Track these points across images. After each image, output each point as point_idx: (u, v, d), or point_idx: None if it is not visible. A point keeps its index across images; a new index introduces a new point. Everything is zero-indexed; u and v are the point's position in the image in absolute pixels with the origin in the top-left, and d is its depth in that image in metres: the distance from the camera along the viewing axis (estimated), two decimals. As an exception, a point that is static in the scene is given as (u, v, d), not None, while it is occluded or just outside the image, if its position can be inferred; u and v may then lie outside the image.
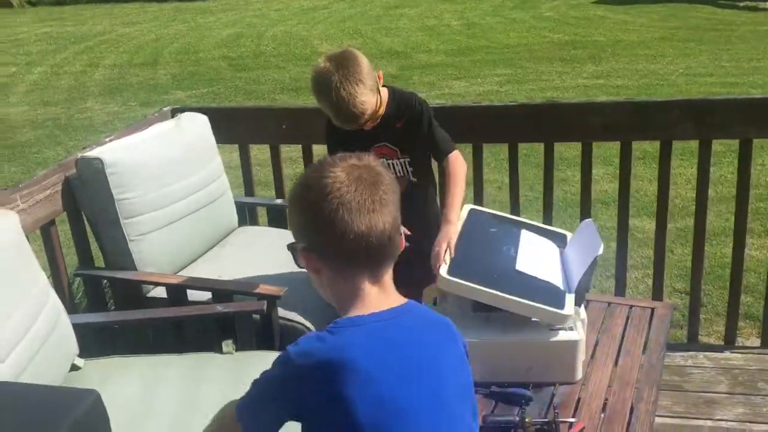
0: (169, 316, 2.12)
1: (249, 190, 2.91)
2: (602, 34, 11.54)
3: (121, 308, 2.35)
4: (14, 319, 1.69)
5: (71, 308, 2.30)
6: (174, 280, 2.26)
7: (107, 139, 2.45)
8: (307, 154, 2.89)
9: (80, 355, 2.05)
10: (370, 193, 1.16)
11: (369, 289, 1.19)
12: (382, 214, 1.16)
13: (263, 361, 1.26)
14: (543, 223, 2.74)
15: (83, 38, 13.77)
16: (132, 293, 2.29)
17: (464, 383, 1.23)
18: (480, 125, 2.64)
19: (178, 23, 15.16)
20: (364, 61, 2.09)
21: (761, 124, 2.44)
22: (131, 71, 10.64)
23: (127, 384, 1.94)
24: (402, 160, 2.27)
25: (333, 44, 11.95)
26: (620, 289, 2.84)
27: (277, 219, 2.80)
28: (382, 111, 2.15)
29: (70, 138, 7.49)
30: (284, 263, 2.36)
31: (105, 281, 2.43)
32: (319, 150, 3.11)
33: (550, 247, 2.13)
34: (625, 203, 2.70)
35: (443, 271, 1.92)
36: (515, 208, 2.75)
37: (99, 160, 2.20)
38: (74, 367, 2.01)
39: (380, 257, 1.19)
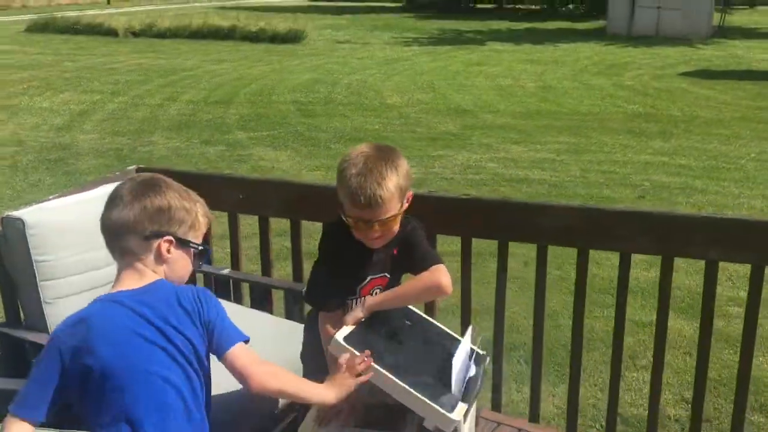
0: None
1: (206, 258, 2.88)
2: (680, 108, 11.14)
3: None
4: None
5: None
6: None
7: (52, 197, 2.49)
8: (264, 226, 2.85)
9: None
10: (118, 193, 1.72)
11: (121, 270, 1.73)
12: (112, 211, 1.72)
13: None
14: (495, 324, 2.61)
15: (171, 72, 14.42)
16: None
17: (177, 342, 1.64)
18: (432, 216, 2.53)
19: (263, 64, 15.68)
20: (405, 162, 1.95)
21: (726, 246, 2.22)
22: (205, 108, 11.03)
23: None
24: (385, 286, 2.10)
25: (403, 96, 12.04)
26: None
27: (223, 290, 2.75)
28: (395, 229, 1.97)
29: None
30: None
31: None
32: (276, 222, 3.06)
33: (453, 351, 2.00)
34: (580, 312, 2.51)
35: (339, 335, 1.82)
36: (465, 309, 2.61)
37: (20, 220, 2.23)
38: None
39: (117, 246, 1.72)
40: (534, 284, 2.50)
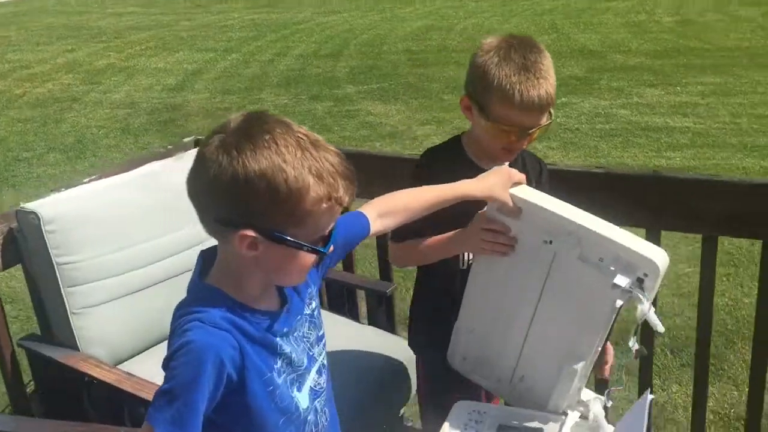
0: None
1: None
2: None
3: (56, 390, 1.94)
4: None
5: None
6: (111, 377, 1.79)
7: (87, 180, 2.08)
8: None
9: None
10: None
11: None
12: None
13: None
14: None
15: (283, 26, 14.15)
16: (71, 375, 1.89)
17: None
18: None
19: (375, 13, 15.11)
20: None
21: None
22: (314, 62, 10.65)
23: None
24: None
25: (524, 40, 11.16)
26: None
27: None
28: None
29: (231, 130, 7.50)
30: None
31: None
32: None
33: None
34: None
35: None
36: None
37: (34, 214, 1.81)
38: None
39: None
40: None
